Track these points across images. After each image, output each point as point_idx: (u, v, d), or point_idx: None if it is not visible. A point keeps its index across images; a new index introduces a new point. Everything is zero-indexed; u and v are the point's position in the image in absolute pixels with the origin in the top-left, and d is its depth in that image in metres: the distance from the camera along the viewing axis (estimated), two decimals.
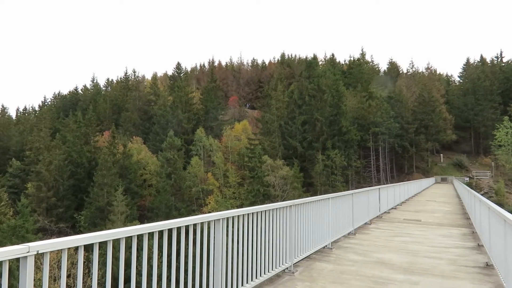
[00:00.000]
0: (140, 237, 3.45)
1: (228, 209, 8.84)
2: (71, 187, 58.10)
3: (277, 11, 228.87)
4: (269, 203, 7.82)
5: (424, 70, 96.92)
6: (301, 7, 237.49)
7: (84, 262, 2.86)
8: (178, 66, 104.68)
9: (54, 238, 3.11)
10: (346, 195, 10.36)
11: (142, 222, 38.69)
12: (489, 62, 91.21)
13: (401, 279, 6.23)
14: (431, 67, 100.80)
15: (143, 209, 54.72)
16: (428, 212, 17.59)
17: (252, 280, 5.21)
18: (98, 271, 3.03)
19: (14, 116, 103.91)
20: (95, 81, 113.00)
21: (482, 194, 25.89)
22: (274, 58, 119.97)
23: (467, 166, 70.45)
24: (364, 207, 12.34)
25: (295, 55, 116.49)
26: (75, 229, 50.99)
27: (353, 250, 8.55)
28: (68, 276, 23.93)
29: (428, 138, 70.11)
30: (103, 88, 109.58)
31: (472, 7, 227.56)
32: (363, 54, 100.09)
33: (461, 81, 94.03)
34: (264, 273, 5.57)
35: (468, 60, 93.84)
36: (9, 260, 2.34)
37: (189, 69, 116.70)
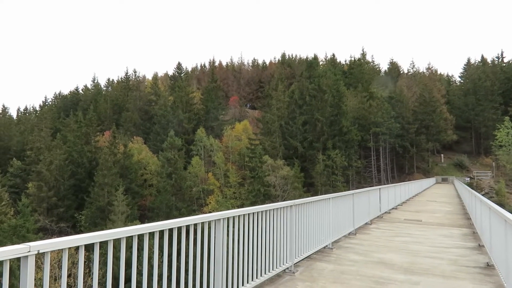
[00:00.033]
0: (140, 237, 3.45)
1: (228, 209, 8.85)
2: (71, 187, 58.16)
3: (277, 11, 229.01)
4: (270, 203, 7.82)
5: (424, 70, 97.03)
6: (302, 7, 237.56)
7: (84, 262, 2.86)
8: (179, 66, 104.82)
9: (54, 237, 3.10)
10: (346, 195, 10.35)
11: (142, 222, 38.70)
12: (490, 62, 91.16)
13: (401, 279, 6.23)
14: (432, 67, 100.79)
15: (144, 209, 54.74)
16: (428, 212, 17.58)
17: (252, 280, 5.21)
18: (98, 270, 3.03)
19: (15, 116, 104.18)
20: (96, 81, 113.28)
21: (482, 195, 25.88)
22: (274, 58, 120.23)
23: (468, 166, 70.41)
24: (365, 207, 12.33)
25: (296, 55, 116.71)
26: (76, 229, 51.03)
27: (354, 250, 8.55)
28: (69, 275, 23.95)
29: (428, 138, 70.09)
30: (104, 88, 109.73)
31: (473, 7, 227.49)
32: (363, 54, 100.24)
33: (462, 81, 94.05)
34: (265, 273, 5.57)
35: (469, 60, 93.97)
36: (10, 259, 2.35)
37: (189, 69, 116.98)
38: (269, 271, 5.70)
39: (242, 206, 47.36)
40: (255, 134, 68.42)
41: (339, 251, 8.32)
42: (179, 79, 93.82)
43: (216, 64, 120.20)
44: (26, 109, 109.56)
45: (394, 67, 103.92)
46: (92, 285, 3.01)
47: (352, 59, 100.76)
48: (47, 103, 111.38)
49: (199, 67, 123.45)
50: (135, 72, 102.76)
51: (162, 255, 3.71)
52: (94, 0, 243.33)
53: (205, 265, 4.29)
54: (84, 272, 2.90)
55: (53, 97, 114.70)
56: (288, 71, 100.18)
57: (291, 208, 6.50)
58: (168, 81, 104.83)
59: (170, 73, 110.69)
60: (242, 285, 4.96)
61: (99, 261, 3.02)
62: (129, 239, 3.34)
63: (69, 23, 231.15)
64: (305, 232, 7.09)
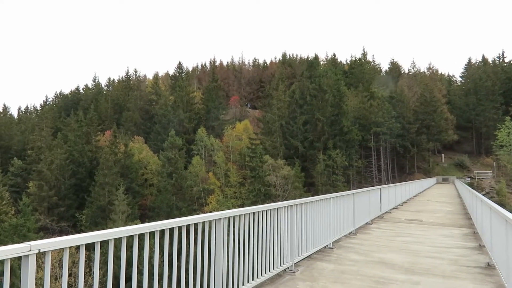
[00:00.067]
0: (141, 237, 3.45)
1: (229, 209, 8.85)
2: (72, 186, 58.23)
3: (278, 11, 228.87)
4: (270, 202, 7.82)
5: (425, 70, 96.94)
6: (303, 7, 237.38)
7: (85, 261, 2.86)
8: (180, 65, 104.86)
9: (55, 237, 3.10)
10: (347, 195, 10.35)
11: (143, 222, 38.73)
12: (491, 62, 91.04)
13: (402, 279, 6.23)
14: (433, 67, 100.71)
15: (144, 208, 54.76)
16: (429, 212, 17.57)
17: (253, 279, 5.21)
18: (99, 270, 3.03)
19: (15, 116, 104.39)
20: (96, 80, 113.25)
21: (483, 195, 25.83)
22: (275, 58, 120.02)
23: (469, 166, 70.37)
24: (365, 207, 12.33)
25: (297, 55, 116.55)
26: (76, 228, 51.07)
27: (354, 250, 8.55)
28: (69, 275, 23.97)
29: (429, 138, 70.06)
30: (105, 88, 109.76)
31: (474, 7, 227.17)
32: (364, 54, 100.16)
33: (462, 81, 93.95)
34: (265, 273, 5.58)
35: (470, 60, 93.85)
36: (10, 258, 2.35)
37: (190, 69, 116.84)
38: (269, 271, 5.70)
39: (242, 205, 47.37)
40: (255, 134, 68.44)
41: (340, 251, 8.32)
42: (180, 79, 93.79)
43: (217, 63, 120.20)
44: (27, 108, 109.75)
45: (394, 67, 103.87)
46: (92, 285, 3.01)
47: (353, 59, 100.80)
48: (48, 103, 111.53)
49: (199, 66, 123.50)
50: (135, 71, 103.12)
51: (163, 254, 3.71)
52: (95, 0, 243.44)
53: (205, 264, 4.29)
54: (84, 272, 2.90)
55: (54, 96, 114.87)
56: (289, 71, 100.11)
57: (292, 208, 6.50)
58: (168, 81, 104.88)
59: (171, 72, 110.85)
60: (243, 284, 4.97)
61: (100, 261, 3.02)
62: (130, 239, 3.34)
63: (70, 22, 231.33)
64: (305, 232, 7.09)
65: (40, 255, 2.53)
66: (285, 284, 5.79)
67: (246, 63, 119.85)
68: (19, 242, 2.58)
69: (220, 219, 4.56)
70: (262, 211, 5.54)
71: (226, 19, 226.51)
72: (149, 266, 3.46)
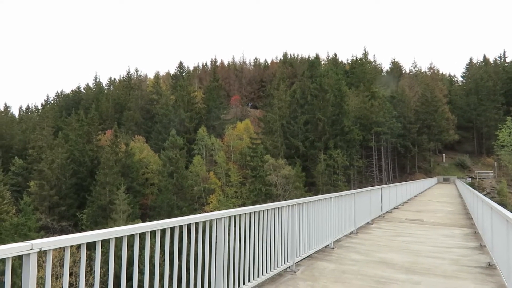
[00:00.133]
0: (142, 236, 3.46)
1: (230, 208, 8.85)
2: (73, 186, 58.28)
3: (279, 11, 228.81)
4: (271, 202, 7.82)
5: (426, 70, 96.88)
6: (304, 7, 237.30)
7: (86, 260, 2.86)
8: (181, 65, 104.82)
9: (56, 236, 3.10)
10: (348, 194, 10.34)
11: (144, 221, 38.72)
12: (492, 62, 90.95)
13: (403, 279, 6.22)
14: (434, 67, 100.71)
15: (145, 207, 54.80)
16: (430, 212, 17.56)
17: (254, 279, 5.22)
18: (100, 269, 3.04)
19: (17, 115, 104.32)
20: (97, 80, 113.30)
21: (484, 194, 25.83)
22: (276, 58, 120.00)
23: (470, 166, 70.29)
24: (366, 207, 12.33)
25: (298, 55, 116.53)
26: (77, 228, 51.11)
27: (355, 249, 8.55)
28: (70, 274, 23.96)
29: (430, 138, 70.00)
30: (106, 87, 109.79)
31: (475, 7, 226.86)
32: (365, 54, 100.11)
33: (464, 81, 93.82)
34: (266, 272, 5.58)
35: (471, 60, 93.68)
36: (12, 257, 2.35)
37: (191, 69, 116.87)
38: (270, 270, 5.70)
39: (243, 205, 47.39)
40: (256, 134, 68.44)
41: (341, 251, 8.31)
42: (181, 78, 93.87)
43: (218, 63, 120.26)
44: (28, 107, 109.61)
45: (396, 66, 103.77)
46: (93, 284, 3.01)
47: (354, 58, 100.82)
48: (49, 102, 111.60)
49: (200, 66, 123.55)
50: (137, 71, 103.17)
51: (164, 253, 3.71)
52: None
53: (206, 263, 4.29)
54: (85, 271, 2.90)
55: (55, 96, 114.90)
56: (290, 71, 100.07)
57: (292, 208, 6.50)
58: (170, 80, 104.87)
59: (172, 72, 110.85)
60: (244, 284, 4.97)
61: (101, 260, 3.03)
62: (131, 238, 3.34)
63: (71, 22, 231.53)
64: (306, 232, 7.09)
65: (41, 254, 2.53)
66: (286, 284, 5.79)
67: (247, 62, 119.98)
68: (20, 241, 2.58)
69: (221, 218, 4.56)
70: (263, 210, 5.54)
71: (227, 18, 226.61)
72: (150, 265, 3.47)
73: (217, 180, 59.34)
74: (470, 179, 61.62)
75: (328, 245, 8.40)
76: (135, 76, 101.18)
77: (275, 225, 5.89)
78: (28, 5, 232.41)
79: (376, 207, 13.93)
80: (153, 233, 3.60)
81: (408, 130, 69.25)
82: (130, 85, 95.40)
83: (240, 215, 4.98)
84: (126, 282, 3.16)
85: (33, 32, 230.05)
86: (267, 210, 5.66)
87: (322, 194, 11.60)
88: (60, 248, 2.68)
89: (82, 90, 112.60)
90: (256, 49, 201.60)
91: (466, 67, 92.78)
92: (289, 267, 6.36)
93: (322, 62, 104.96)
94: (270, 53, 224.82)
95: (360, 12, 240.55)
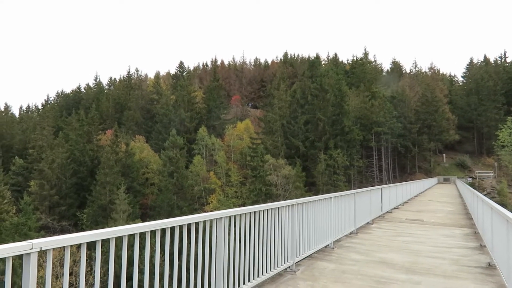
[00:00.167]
0: (142, 235, 3.46)
1: (230, 208, 8.86)
2: (73, 185, 58.29)
3: (280, 11, 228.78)
4: (271, 202, 7.83)
5: (427, 70, 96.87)
6: (304, 7, 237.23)
7: (86, 260, 2.86)
8: (181, 65, 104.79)
9: (56, 236, 3.09)
10: (348, 194, 10.34)
11: (144, 221, 38.73)
12: (492, 62, 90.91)
13: (403, 279, 6.22)
14: (434, 67, 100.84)
15: (145, 207, 54.82)
16: (430, 212, 17.56)
17: (254, 278, 5.22)
18: (100, 269, 3.04)
19: (17, 115, 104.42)
20: (98, 80, 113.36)
21: (484, 195, 25.83)
22: (276, 58, 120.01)
23: (470, 166, 70.26)
24: (366, 207, 12.33)
25: (298, 55, 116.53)
26: (77, 227, 51.11)
27: (355, 249, 8.55)
28: (70, 274, 23.98)
29: (431, 138, 69.99)
30: (106, 87, 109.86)
31: (476, 7, 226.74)
32: (366, 54, 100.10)
33: (464, 81, 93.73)
34: (266, 272, 5.58)
35: (471, 60, 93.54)
36: (12, 257, 2.35)
37: (191, 68, 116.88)
38: (270, 270, 5.70)
39: (243, 205, 47.37)
40: (256, 133, 68.44)
41: (341, 251, 8.32)
42: (181, 78, 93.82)
43: (218, 63, 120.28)
44: (28, 107, 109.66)
45: (396, 66, 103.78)
46: (93, 283, 3.01)
47: (354, 58, 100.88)
48: (49, 102, 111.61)
49: (201, 66, 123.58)
50: (137, 71, 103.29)
51: (164, 253, 3.72)
52: None
53: (206, 263, 4.29)
54: (85, 270, 2.91)
55: (56, 95, 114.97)
56: (290, 71, 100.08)
57: (293, 207, 6.50)
58: (170, 80, 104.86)
59: (172, 72, 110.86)
60: (244, 283, 4.97)
61: (101, 259, 3.03)
62: (131, 237, 3.35)
63: (72, 22, 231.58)
64: (306, 231, 7.09)
65: (42, 254, 2.53)
66: (286, 284, 5.79)
67: (248, 62, 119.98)
68: (20, 241, 2.58)
69: (221, 218, 4.56)
70: (263, 210, 5.54)
71: (227, 18, 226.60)
72: (150, 265, 3.47)
73: (217, 180, 59.35)
74: (470, 179, 61.60)
75: (328, 245, 8.41)
76: (136, 76, 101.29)
77: (275, 225, 5.89)
78: (28, 5, 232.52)
79: (376, 207, 13.93)
80: (153, 233, 3.60)
81: (408, 130, 69.24)
82: (130, 85, 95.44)
83: (240, 215, 4.98)
84: (126, 281, 3.16)
85: (33, 32, 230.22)
86: (267, 210, 5.66)
87: (322, 194, 11.60)
88: (60, 247, 2.68)
89: (83, 90, 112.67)
90: (257, 49, 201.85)
91: (467, 67, 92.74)
92: (289, 267, 6.36)
93: (323, 62, 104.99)
94: (270, 53, 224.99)
95: (360, 12, 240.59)
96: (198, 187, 57.05)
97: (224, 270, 4.54)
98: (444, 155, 74.66)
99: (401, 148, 68.02)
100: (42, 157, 58.97)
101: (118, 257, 3.31)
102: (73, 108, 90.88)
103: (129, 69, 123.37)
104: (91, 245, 2.99)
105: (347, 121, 62.79)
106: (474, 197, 13.55)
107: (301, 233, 6.82)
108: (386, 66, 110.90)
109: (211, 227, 4.44)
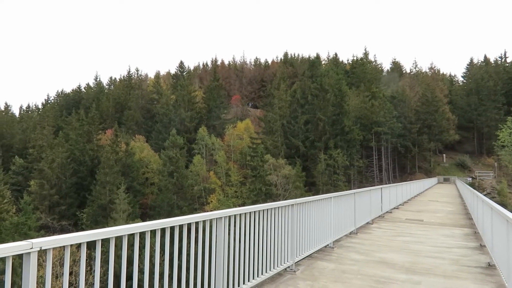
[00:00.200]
0: (142, 235, 3.46)
1: (230, 208, 8.85)
2: (73, 185, 58.30)
3: (280, 10, 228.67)
4: (271, 202, 7.82)
5: (427, 70, 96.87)
6: (304, 7, 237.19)
7: (86, 260, 2.86)
8: (181, 65, 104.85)
9: (56, 235, 3.10)
10: (348, 194, 10.34)
11: (144, 220, 38.73)
12: (492, 62, 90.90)
13: (403, 279, 6.22)
14: (435, 67, 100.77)
15: (145, 207, 54.83)
16: (430, 212, 17.56)
17: (253, 278, 5.22)
18: (100, 268, 3.03)
19: (17, 114, 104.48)
20: (98, 79, 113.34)
21: (484, 195, 25.81)
22: (277, 57, 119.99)
23: (470, 166, 70.26)
24: (366, 207, 12.33)
25: (298, 54, 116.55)
26: (77, 227, 51.15)
27: (355, 249, 8.55)
28: (70, 273, 23.98)
29: (431, 138, 70.00)
30: (106, 87, 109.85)
31: (476, 7, 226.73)
32: (366, 54, 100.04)
33: (464, 81, 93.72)
34: (266, 272, 5.58)
35: (471, 60, 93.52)
36: (12, 256, 2.35)
37: (192, 68, 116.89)
38: (270, 270, 5.70)
39: (243, 205, 47.37)
40: (257, 133, 68.45)
41: (340, 250, 8.32)
42: (181, 78, 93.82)
43: (218, 63, 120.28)
44: (28, 107, 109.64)
45: (396, 66, 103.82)
46: (93, 283, 3.01)
47: (355, 58, 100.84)
48: (49, 101, 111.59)
49: (201, 66, 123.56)
50: (137, 70, 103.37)
51: (164, 253, 3.72)
52: None
53: (206, 263, 4.29)
54: (85, 270, 2.91)
55: (56, 95, 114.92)
56: (290, 70, 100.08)
57: (292, 207, 6.50)
58: (170, 80, 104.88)
59: (173, 71, 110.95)
60: (243, 283, 4.97)
61: (101, 259, 3.03)
62: (131, 237, 3.34)
63: (72, 21, 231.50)
64: (306, 231, 7.09)
65: (42, 253, 2.53)
66: (285, 283, 5.79)
67: (248, 62, 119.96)
68: (20, 240, 2.58)
69: (221, 218, 4.56)
70: (263, 210, 5.54)
71: (228, 18, 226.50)
72: (150, 264, 3.47)
73: (217, 179, 59.36)
74: (470, 179, 61.61)
75: (328, 244, 8.41)
76: (136, 75, 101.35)
77: (275, 224, 5.89)
78: (28, 5, 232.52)
79: (376, 207, 13.93)
80: (153, 232, 3.60)
81: (408, 130, 69.25)
82: (130, 84, 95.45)
83: (240, 214, 4.98)
84: (126, 281, 3.16)
85: (33, 32, 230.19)
86: (267, 209, 5.66)
87: (322, 194, 11.60)
88: (60, 247, 2.68)
89: (83, 90, 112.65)
90: (257, 49, 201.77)
91: (467, 67, 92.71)
92: (289, 267, 6.36)
93: (323, 62, 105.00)
94: (270, 53, 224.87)
95: (360, 12, 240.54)
96: (198, 186, 57.06)
97: (224, 269, 4.54)
98: (444, 155, 74.67)
99: (401, 148, 68.03)
100: (42, 157, 58.99)
101: (118, 257, 3.31)
102: (73, 107, 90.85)
103: (129, 69, 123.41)
104: (91, 245, 2.99)
105: (347, 121, 62.80)
106: (474, 197, 13.55)
107: (301, 233, 6.82)
108: (386, 66, 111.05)
109: (211, 226, 4.44)
